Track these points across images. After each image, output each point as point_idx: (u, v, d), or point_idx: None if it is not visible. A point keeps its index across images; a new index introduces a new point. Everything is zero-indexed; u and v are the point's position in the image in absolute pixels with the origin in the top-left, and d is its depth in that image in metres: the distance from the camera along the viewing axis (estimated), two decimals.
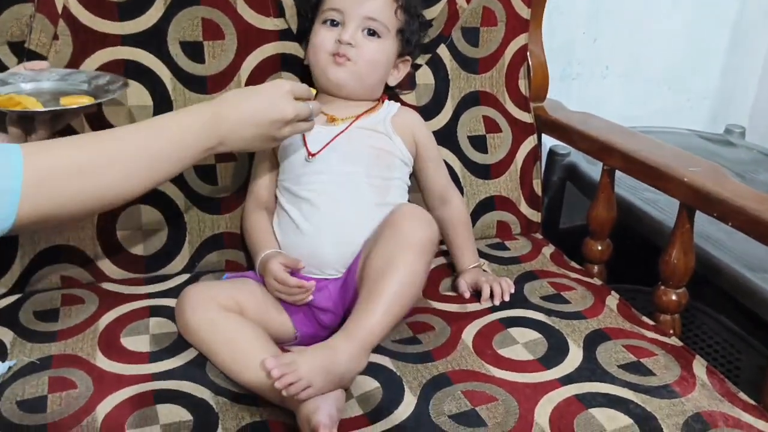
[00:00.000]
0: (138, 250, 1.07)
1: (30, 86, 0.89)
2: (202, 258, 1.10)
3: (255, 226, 1.02)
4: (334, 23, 1.01)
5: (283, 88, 0.86)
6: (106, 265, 1.06)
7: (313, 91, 0.93)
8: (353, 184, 0.98)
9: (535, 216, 1.29)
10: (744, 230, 0.87)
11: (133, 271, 1.07)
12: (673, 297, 1.01)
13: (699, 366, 0.92)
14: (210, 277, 1.07)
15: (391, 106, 1.07)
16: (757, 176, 1.41)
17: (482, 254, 1.17)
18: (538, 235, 1.29)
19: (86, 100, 0.87)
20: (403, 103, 1.14)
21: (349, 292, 0.94)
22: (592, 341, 0.95)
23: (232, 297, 0.91)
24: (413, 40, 1.07)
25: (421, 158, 1.06)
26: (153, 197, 1.06)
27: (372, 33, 1.01)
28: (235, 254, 1.11)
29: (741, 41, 1.74)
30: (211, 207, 1.10)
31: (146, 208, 1.06)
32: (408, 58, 1.09)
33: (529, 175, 1.28)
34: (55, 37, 1.00)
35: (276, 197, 1.03)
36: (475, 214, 1.23)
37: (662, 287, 1.02)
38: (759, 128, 1.70)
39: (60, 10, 1.00)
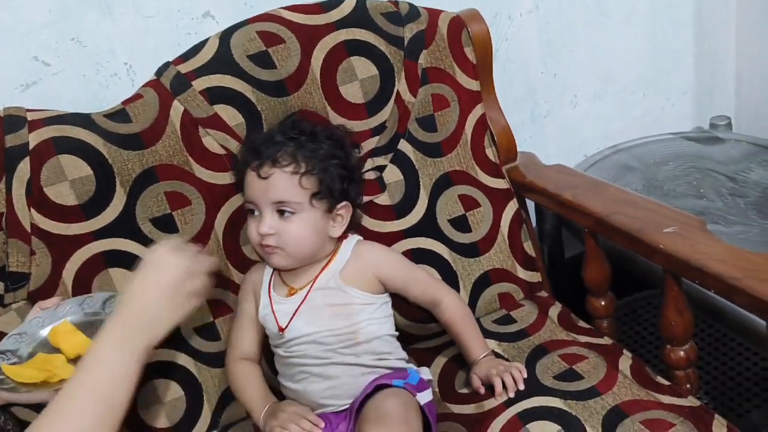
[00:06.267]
0: (162, 423, 1.10)
1: (49, 330, 0.95)
2: (224, 411, 1.13)
3: (245, 378, 1.08)
4: (253, 213, 1.04)
5: (160, 248, 0.87)
6: None
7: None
8: (321, 342, 1.02)
9: (534, 277, 1.29)
10: (726, 297, 0.86)
11: None
12: (681, 354, 1.01)
13: (719, 426, 0.92)
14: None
15: (343, 252, 1.07)
16: (748, 176, 1.38)
17: (489, 334, 1.18)
18: (543, 293, 1.29)
19: None
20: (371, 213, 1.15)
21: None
22: (609, 422, 0.95)
23: None
24: (336, 187, 1.03)
25: (392, 283, 1.09)
26: (164, 368, 1.10)
27: (286, 213, 1.01)
28: None
29: (707, 31, 1.69)
30: (220, 361, 1.13)
31: (160, 382, 1.10)
32: (345, 203, 1.06)
33: (518, 239, 1.28)
34: (32, 252, 1.04)
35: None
36: (474, 293, 1.24)
37: (668, 346, 1.02)
38: (745, 115, 1.66)
39: (29, 229, 1.03)
